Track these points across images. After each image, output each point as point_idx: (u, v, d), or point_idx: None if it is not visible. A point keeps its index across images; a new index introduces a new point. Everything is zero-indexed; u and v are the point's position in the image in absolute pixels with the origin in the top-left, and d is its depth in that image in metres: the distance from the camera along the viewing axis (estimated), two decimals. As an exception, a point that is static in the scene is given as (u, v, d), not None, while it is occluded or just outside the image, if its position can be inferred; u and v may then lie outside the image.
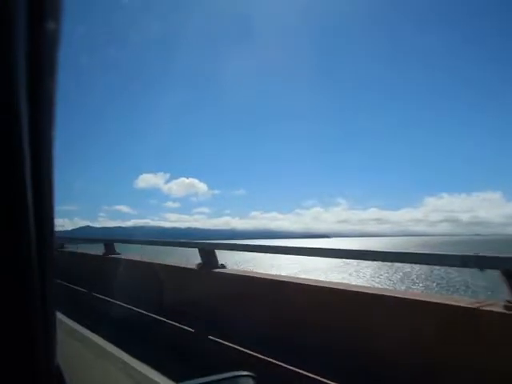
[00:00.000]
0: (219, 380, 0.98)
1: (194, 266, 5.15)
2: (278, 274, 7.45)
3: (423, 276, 28.24)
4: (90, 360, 4.47)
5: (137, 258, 6.89)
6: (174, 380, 3.72)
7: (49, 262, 0.53)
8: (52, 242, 0.54)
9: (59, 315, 5.33)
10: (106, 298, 6.41)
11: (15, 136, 0.47)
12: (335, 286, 3.71)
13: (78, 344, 4.99)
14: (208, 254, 4.99)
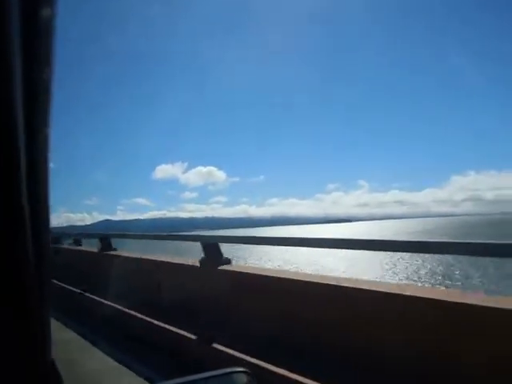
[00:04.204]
0: (214, 376, 0.99)
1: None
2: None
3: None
4: None
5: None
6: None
7: (45, 260, 0.52)
8: (48, 241, 0.54)
9: None
10: None
11: (11, 128, 0.45)
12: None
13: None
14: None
